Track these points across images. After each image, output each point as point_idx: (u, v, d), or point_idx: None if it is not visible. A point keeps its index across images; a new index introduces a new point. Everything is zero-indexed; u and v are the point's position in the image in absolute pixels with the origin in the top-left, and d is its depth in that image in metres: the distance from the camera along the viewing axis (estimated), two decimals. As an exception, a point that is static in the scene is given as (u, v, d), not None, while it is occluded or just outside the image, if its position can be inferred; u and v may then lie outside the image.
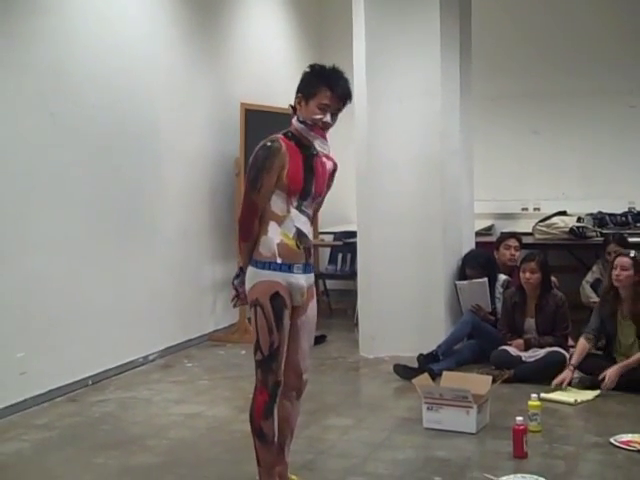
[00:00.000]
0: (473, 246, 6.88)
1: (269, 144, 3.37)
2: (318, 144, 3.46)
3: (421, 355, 5.75)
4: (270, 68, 8.27)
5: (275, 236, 3.41)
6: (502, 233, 7.24)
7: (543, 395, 5.04)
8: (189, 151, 6.90)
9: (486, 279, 6.26)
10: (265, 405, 3.45)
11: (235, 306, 3.67)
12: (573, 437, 4.51)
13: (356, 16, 6.40)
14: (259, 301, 3.39)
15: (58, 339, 5.40)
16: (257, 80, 7.88)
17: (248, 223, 3.41)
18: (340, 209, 8.73)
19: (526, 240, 7.20)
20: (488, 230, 8.15)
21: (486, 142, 8.15)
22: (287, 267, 3.42)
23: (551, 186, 8.49)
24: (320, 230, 8.56)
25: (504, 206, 8.52)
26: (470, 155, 6.90)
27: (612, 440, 4.32)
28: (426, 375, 5.01)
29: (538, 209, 8.35)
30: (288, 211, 3.42)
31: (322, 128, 3.45)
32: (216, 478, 4.01)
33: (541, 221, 7.61)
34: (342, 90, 3.44)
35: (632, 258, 5.34)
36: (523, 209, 8.58)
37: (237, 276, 3.56)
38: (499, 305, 6.20)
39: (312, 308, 3.62)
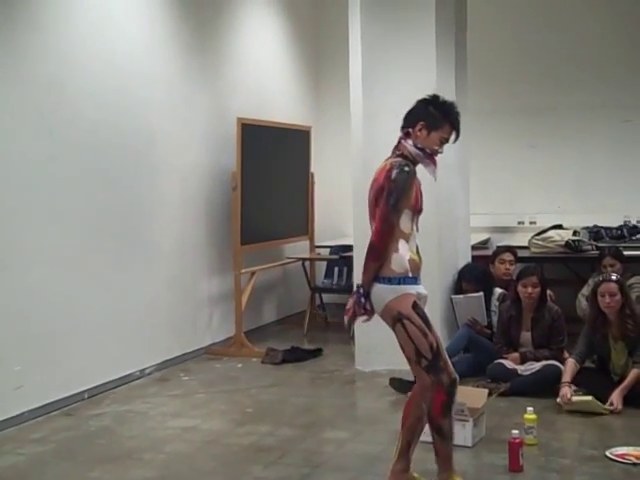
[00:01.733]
0: (469, 260, 6.91)
1: (407, 169, 3.62)
2: (431, 171, 3.77)
3: (417, 368, 5.75)
4: (267, 83, 8.31)
5: (405, 253, 3.64)
6: (498, 247, 7.26)
7: (576, 399, 5.10)
8: (186, 165, 6.92)
9: (482, 293, 6.28)
10: (443, 404, 3.63)
11: (352, 322, 3.81)
12: (569, 450, 4.52)
13: (352, 31, 6.44)
14: (403, 314, 3.61)
15: (54, 353, 5.41)
16: (253, 95, 7.91)
17: (385, 245, 3.60)
18: (336, 223, 8.80)
19: (522, 254, 7.22)
20: (484, 244, 8.18)
21: (482, 156, 8.19)
22: (415, 280, 3.68)
23: (547, 200, 8.52)
24: (316, 244, 8.58)
25: (500, 220, 8.55)
26: (466, 169, 6.94)
27: (608, 453, 4.33)
28: (422, 389, 5.01)
29: (534, 223, 8.37)
30: (412, 229, 3.70)
31: (436, 157, 3.78)
32: (212, 492, 4.01)
33: (537, 234, 7.63)
34: (459, 129, 3.81)
35: (617, 282, 5.33)
36: (519, 223, 8.60)
37: (365, 295, 3.65)
38: (495, 319, 6.21)
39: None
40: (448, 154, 6.42)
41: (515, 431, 4.19)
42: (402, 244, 3.63)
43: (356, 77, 6.40)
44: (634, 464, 4.20)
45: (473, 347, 6.12)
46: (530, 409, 4.57)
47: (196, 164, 7.06)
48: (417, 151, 3.71)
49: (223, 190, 7.21)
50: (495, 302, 6.36)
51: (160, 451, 4.62)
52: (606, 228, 7.81)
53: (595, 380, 5.33)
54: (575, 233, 7.56)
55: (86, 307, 5.71)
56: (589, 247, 7.43)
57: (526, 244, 7.60)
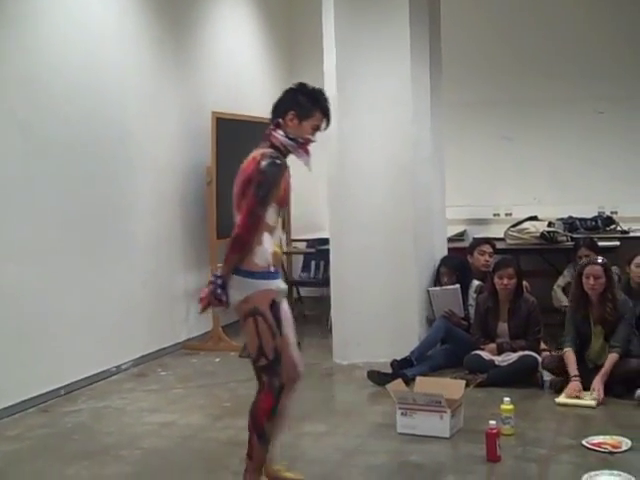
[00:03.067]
0: (445, 252, 6.94)
1: (278, 162, 3.57)
2: (305, 161, 3.71)
3: (395, 361, 5.77)
4: (241, 77, 8.28)
5: (269, 246, 3.59)
6: (474, 239, 7.29)
7: (560, 400, 5.13)
8: (161, 160, 6.88)
9: (458, 286, 6.31)
10: (270, 407, 3.62)
11: (204, 311, 3.72)
12: (546, 440, 4.54)
13: (326, 24, 6.42)
14: (259, 310, 3.56)
15: (30, 349, 5.36)
16: (228, 89, 7.88)
17: (251, 237, 3.52)
18: (313, 216, 8.78)
19: (498, 245, 7.24)
20: (460, 236, 8.21)
21: (457, 149, 8.21)
22: (276, 274, 3.64)
23: (522, 191, 8.56)
24: (293, 237, 8.57)
25: (476, 212, 8.58)
26: (441, 162, 6.95)
27: (584, 442, 4.36)
28: (400, 381, 5.03)
29: (510, 214, 8.41)
30: (276, 222, 3.65)
31: (308, 147, 3.71)
32: (190, 486, 4.00)
33: (513, 226, 7.66)
34: (330, 116, 3.76)
35: (602, 265, 5.39)
36: (495, 214, 8.64)
37: (222, 285, 3.55)
38: (472, 310, 6.24)
39: (285, 302, 3.82)
40: (423, 148, 6.52)
41: (492, 421, 4.21)
42: (267, 237, 3.58)
43: (330, 71, 6.39)
44: (610, 452, 4.23)
45: (450, 339, 6.14)
46: (507, 399, 4.59)
47: (171, 159, 7.02)
48: (289, 141, 3.65)
49: (198, 185, 7.18)
50: (472, 294, 6.38)
51: (137, 447, 4.59)
52: (581, 219, 7.86)
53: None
54: (550, 224, 7.61)
55: (61, 303, 5.66)
56: (564, 238, 7.47)
57: (502, 236, 7.64)
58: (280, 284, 3.67)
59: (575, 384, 5.21)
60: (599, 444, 4.33)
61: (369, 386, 5.67)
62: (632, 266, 6.13)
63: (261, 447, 3.67)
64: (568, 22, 8.40)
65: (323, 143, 6.55)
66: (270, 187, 3.51)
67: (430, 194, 6.59)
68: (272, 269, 3.59)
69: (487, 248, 6.75)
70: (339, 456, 4.38)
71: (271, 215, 3.57)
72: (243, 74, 8.34)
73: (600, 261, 5.46)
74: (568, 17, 8.41)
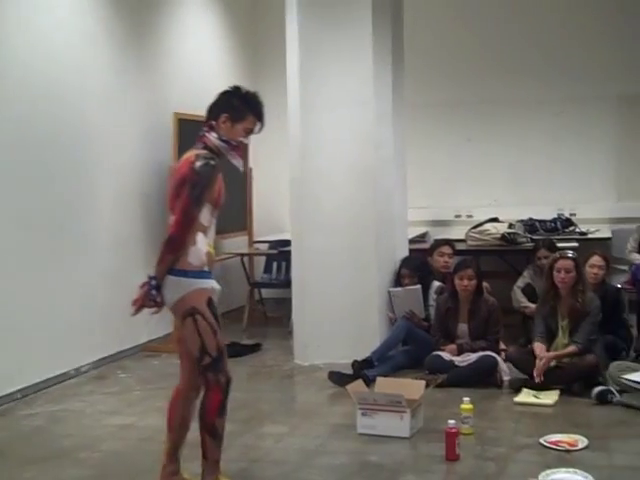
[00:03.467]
0: (406, 253, 6.96)
1: (212, 163, 3.59)
2: (237, 163, 3.75)
3: (356, 361, 5.78)
4: (204, 78, 8.23)
5: (203, 246, 3.63)
6: (436, 240, 7.33)
7: (518, 400, 5.19)
8: (121, 159, 6.83)
9: (419, 286, 6.34)
10: (220, 404, 3.66)
11: (137, 313, 3.74)
12: (504, 439, 4.58)
13: (289, 24, 6.42)
14: (197, 309, 3.59)
15: (-14, 352, 5.28)
16: (190, 90, 7.83)
17: (185, 237, 3.55)
18: (275, 218, 8.78)
19: (459, 246, 7.31)
20: (422, 237, 8.25)
21: (420, 150, 8.26)
22: (210, 274, 3.69)
23: (483, 193, 8.64)
24: (255, 239, 8.55)
25: (437, 213, 8.64)
26: (403, 163, 6.98)
27: (542, 440, 4.41)
28: (360, 381, 5.05)
29: (471, 216, 8.48)
30: (210, 222, 3.68)
31: (242, 149, 3.77)
32: (149, 489, 3.96)
33: (473, 228, 7.72)
34: (264, 119, 3.81)
35: (573, 260, 5.47)
36: (456, 216, 8.71)
37: (157, 287, 3.58)
38: (432, 311, 6.27)
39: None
40: (385, 149, 6.55)
41: (451, 421, 4.23)
42: (200, 237, 3.61)
43: (293, 71, 6.39)
44: (567, 451, 4.29)
45: (411, 339, 6.17)
46: (466, 399, 4.63)
47: (132, 158, 6.97)
48: (222, 143, 3.68)
49: (160, 185, 7.12)
50: (433, 295, 6.42)
51: (96, 449, 4.55)
52: (540, 221, 7.94)
53: (531, 361, 5.42)
54: (510, 226, 7.68)
55: (18, 304, 5.59)
56: (524, 240, 7.55)
57: (463, 237, 7.69)
58: (214, 284, 3.70)
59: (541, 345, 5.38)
60: (556, 442, 4.38)
61: (330, 387, 5.67)
62: (587, 267, 6.18)
63: (215, 445, 3.70)
64: (529, 25, 8.50)
65: (285, 144, 6.60)
66: (204, 187, 3.55)
67: (392, 195, 6.62)
68: (206, 268, 3.64)
69: (446, 249, 6.79)
70: (299, 457, 4.37)
71: (205, 215, 3.62)
72: (206, 75, 8.30)
73: (571, 255, 5.54)
74: (529, 20, 8.51)
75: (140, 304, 3.65)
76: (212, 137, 3.69)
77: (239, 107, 3.71)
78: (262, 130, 3.83)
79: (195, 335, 3.60)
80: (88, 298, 6.35)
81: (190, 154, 3.65)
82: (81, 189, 6.33)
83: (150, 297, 3.60)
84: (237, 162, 3.75)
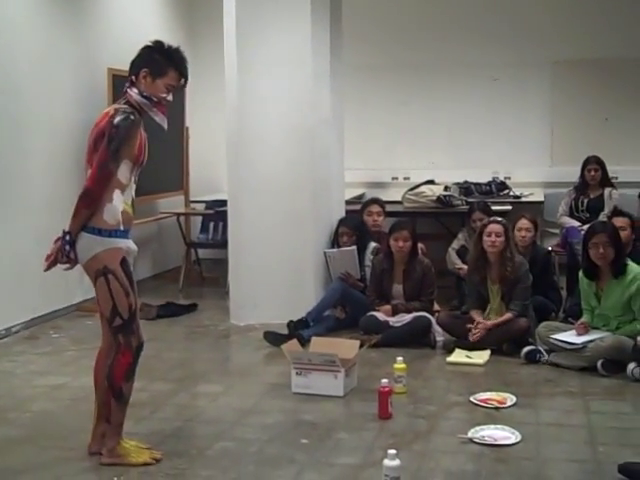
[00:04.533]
0: (343, 214, 6.98)
1: (132, 117, 3.51)
2: (160, 120, 3.68)
3: (291, 322, 5.81)
4: (139, 33, 8.00)
5: (119, 204, 3.55)
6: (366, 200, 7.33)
7: (450, 360, 5.28)
8: (54, 118, 6.66)
9: (355, 247, 6.37)
10: (128, 367, 3.62)
11: (49, 269, 3.69)
12: (436, 397, 4.67)
13: (226, -19, 6.32)
14: (109, 268, 3.53)
15: None
16: (125, 46, 7.50)
17: (100, 192, 3.48)
18: (211, 178, 8.71)
19: (395, 208, 7.36)
20: (359, 199, 8.27)
21: (357, 112, 8.27)
22: (126, 233, 3.60)
23: (420, 156, 8.70)
24: (191, 199, 8.48)
25: (375, 175, 8.68)
26: (341, 124, 6.98)
27: (472, 399, 4.51)
28: (295, 341, 5.08)
29: (408, 178, 8.53)
30: (130, 180, 3.60)
31: (164, 105, 3.68)
32: (81, 448, 3.92)
33: (410, 190, 7.77)
34: (187, 74, 3.72)
35: (502, 224, 5.55)
36: (393, 178, 8.76)
37: (70, 242, 3.52)
38: (368, 272, 6.31)
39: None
40: (322, 110, 6.52)
41: (384, 380, 4.30)
42: (117, 195, 3.53)
43: (230, 30, 6.29)
44: (496, 408, 4.40)
45: (346, 300, 6.21)
46: (400, 359, 4.69)
47: (64, 117, 6.80)
48: (143, 100, 3.61)
49: (94, 143, 6.99)
50: (369, 256, 6.45)
51: (26, 410, 4.50)
52: (476, 184, 8.04)
53: (460, 325, 5.54)
54: (446, 188, 7.75)
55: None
56: (459, 202, 7.63)
57: (400, 199, 7.74)
58: (130, 244, 3.63)
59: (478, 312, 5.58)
60: (486, 400, 4.49)
61: (265, 347, 5.69)
62: (515, 230, 6.28)
63: (120, 409, 3.66)
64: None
65: (222, 103, 6.53)
66: (122, 142, 3.47)
67: (329, 156, 6.61)
68: (122, 227, 3.56)
69: (374, 208, 6.80)
70: (234, 416, 4.39)
71: (123, 172, 3.54)
72: (141, 31, 8.08)
73: (500, 220, 5.63)
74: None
75: (53, 259, 3.61)
76: (133, 93, 3.61)
77: (160, 62, 3.63)
78: (185, 86, 3.76)
79: (108, 296, 3.56)
80: (20, 258, 6.22)
81: (110, 108, 3.60)
82: (10, 148, 6.15)
83: (63, 252, 3.54)
84: (160, 119, 3.68)
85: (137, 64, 3.65)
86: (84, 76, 7.01)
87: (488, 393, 4.58)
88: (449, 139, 8.71)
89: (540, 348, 5.27)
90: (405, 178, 8.60)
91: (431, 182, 7.88)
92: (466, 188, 7.97)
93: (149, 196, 7.73)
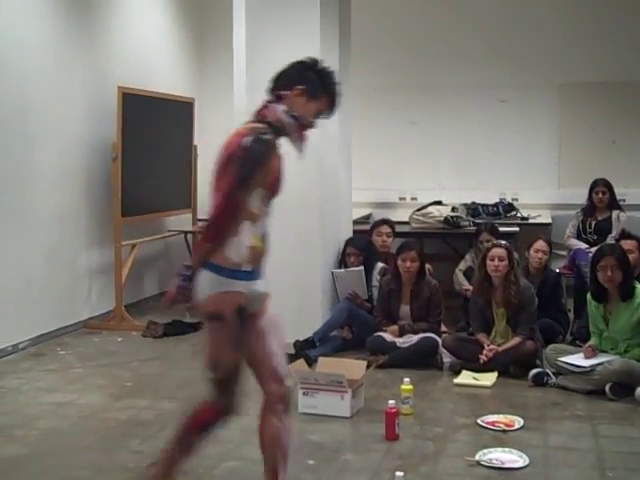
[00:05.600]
0: (351, 234, 6.98)
1: (265, 138, 3.01)
2: (298, 146, 3.19)
3: (297, 341, 5.80)
4: (149, 51, 8.13)
5: (247, 238, 3.04)
6: (375, 220, 7.34)
7: (457, 381, 5.27)
8: (64, 134, 6.71)
9: (362, 267, 6.36)
10: (205, 423, 3.24)
11: (170, 307, 3.18)
12: (443, 419, 4.65)
13: (237, 3, 6.36)
14: (224, 314, 3.03)
15: None
16: (135, 64, 7.72)
17: (229, 225, 2.97)
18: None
19: (403, 229, 7.36)
20: (366, 219, 8.28)
21: (365, 132, 8.28)
22: (252, 274, 3.09)
23: (428, 176, 8.71)
24: (199, 217, 8.49)
25: (382, 195, 8.69)
26: (348, 144, 6.99)
27: (479, 421, 4.49)
28: (302, 361, 5.06)
29: (415, 199, 8.54)
30: (261, 210, 3.09)
31: (307, 131, 3.20)
32: (87, 467, 3.93)
33: (417, 210, 7.78)
34: (338, 104, 3.29)
35: (506, 248, 5.55)
36: (401, 198, 8.77)
37: (190, 278, 3.03)
38: (376, 292, 6.31)
39: (270, 309, 3.33)
40: (331, 130, 6.53)
41: (392, 401, 4.29)
42: (246, 227, 3.02)
43: (240, 49, 6.34)
44: (503, 431, 4.38)
45: (353, 320, 6.20)
46: (407, 380, 4.68)
47: (75, 133, 6.84)
48: (290, 119, 3.12)
49: (103, 161, 7.03)
50: (377, 276, 6.45)
51: (33, 427, 4.49)
52: (483, 205, 8.04)
53: (474, 349, 5.52)
54: (454, 209, 7.75)
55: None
56: (467, 223, 7.63)
57: (407, 219, 7.74)
58: (254, 286, 3.10)
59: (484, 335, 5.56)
60: (493, 423, 4.47)
61: (272, 366, 5.67)
62: (531, 251, 6.33)
63: (179, 451, 3.28)
64: (474, 13, 8.55)
65: (231, 122, 6.54)
66: (254, 167, 2.95)
67: (337, 175, 6.62)
68: (246, 267, 3.04)
69: (385, 229, 6.82)
70: (241, 435, 4.35)
71: (255, 201, 3.02)
72: (151, 50, 8.19)
73: (504, 244, 5.62)
74: (474, 8, 8.56)
75: (171, 297, 3.10)
76: (279, 109, 3.12)
77: (317, 83, 3.17)
78: (330, 117, 3.28)
79: (211, 342, 3.10)
80: (29, 274, 6.25)
81: (242, 127, 3.08)
82: (21, 164, 6.20)
83: (184, 290, 3.04)
84: (298, 145, 3.17)
85: (291, 78, 3.19)
86: (94, 93, 7.05)
87: (495, 415, 4.56)
88: (456, 160, 8.72)
89: (548, 371, 5.25)
90: (412, 198, 8.61)
91: (438, 203, 7.89)
92: (473, 209, 7.98)
93: (157, 214, 7.77)
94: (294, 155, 6.30)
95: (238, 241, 3.01)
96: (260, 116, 3.14)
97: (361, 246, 6.55)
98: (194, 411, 3.24)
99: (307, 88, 3.16)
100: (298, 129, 3.15)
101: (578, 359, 5.16)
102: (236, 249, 3.00)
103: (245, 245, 3.02)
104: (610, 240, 6.77)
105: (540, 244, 6.33)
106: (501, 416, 4.56)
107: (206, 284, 3.02)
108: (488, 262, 5.55)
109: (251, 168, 2.96)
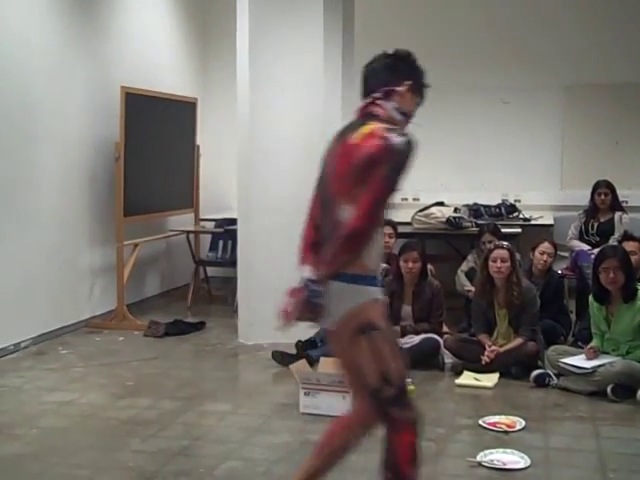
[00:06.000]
0: (353, 235, 6.97)
1: (410, 140, 2.78)
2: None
3: (299, 341, 5.79)
4: (152, 51, 8.12)
5: (380, 243, 2.94)
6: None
7: (459, 382, 5.27)
8: (67, 134, 6.70)
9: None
10: (412, 446, 2.87)
11: (288, 326, 2.97)
12: (444, 420, 4.64)
13: (240, 2, 6.36)
14: (375, 325, 2.81)
15: None
16: (138, 64, 7.72)
17: (371, 232, 2.76)
18: (221, 196, 8.73)
19: (405, 229, 7.35)
20: (368, 219, 8.26)
21: (368, 132, 8.25)
22: (380, 280, 2.94)
23: (430, 177, 8.65)
24: (201, 217, 8.50)
25: (384, 196, 8.66)
26: (351, 145, 6.97)
27: (481, 422, 4.48)
28: (303, 361, 5.07)
29: (417, 199, 8.51)
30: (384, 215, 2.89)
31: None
32: (88, 466, 3.93)
33: (420, 211, 7.76)
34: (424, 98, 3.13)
35: (508, 249, 5.54)
36: (403, 199, 8.73)
37: (320, 293, 2.78)
38: (377, 293, 6.29)
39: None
40: (334, 130, 6.50)
41: (393, 402, 4.27)
42: (380, 234, 2.91)
43: (243, 49, 6.33)
44: (505, 432, 4.37)
45: (355, 321, 6.18)
46: (408, 381, 4.65)
47: (77, 133, 6.84)
48: (400, 116, 2.94)
49: (106, 160, 7.03)
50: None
51: (34, 426, 4.49)
52: (485, 206, 8.02)
53: (475, 350, 5.51)
54: (456, 210, 7.75)
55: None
56: (469, 224, 7.62)
57: (409, 220, 7.73)
58: (380, 293, 2.92)
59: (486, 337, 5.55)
60: (495, 424, 4.46)
61: (273, 366, 5.68)
62: (536, 253, 6.31)
63: None
64: (479, 14, 8.54)
65: (234, 122, 6.55)
66: (402, 172, 2.72)
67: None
68: (375, 274, 2.88)
69: (387, 229, 6.78)
70: (242, 435, 4.38)
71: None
72: (155, 50, 8.19)
73: (506, 245, 5.62)
74: (479, 9, 8.55)
75: (296, 315, 2.87)
76: (390, 106, 2.93)
77: (419, 77, 3.03)
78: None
79: (371, 358, 2.79)
80: (31, 273, 6.25)
81: (372, 127, 2.82)
82: (24, 164, 6.19)
83: (314, 305, 2.78)
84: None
85: (402, 72, 3.00)
86: (97, 93, 7.05)
87: (497, 416, 4.55)
88: (459, 161, 8.70)
89: (549, 372, 5.25)
90: (415, 199, 8.58)
91: (441, 204, 7.88)
92: (476, 210, 7.96)
93: (159, 213, 7.77)
94: (294, 155, 6.34)
95: (376, 248, 2.85)
96: (368, 113, 2.95)
97: None
98: (393, 451, 2.89)
99: (414, 83, 3.01)
100: (405, 126, 2.98)
101: (580, 360, 5.16)
102: (371, 256, 2.82)
103: (377, 251, 2.87)
104: (612, 242, 6.76)
105: (545, 246, 6.32)
106: (503, 417, 4.55)
107: (345, 296, 2.79)
108: (490, 263, 5.55)
109: (402, 172, 2.73)
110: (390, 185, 2.71)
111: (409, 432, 2.85)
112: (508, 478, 3.80)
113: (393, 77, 2.97)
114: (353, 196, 2.73)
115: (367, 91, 3.01)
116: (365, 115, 2.93)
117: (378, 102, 2.94)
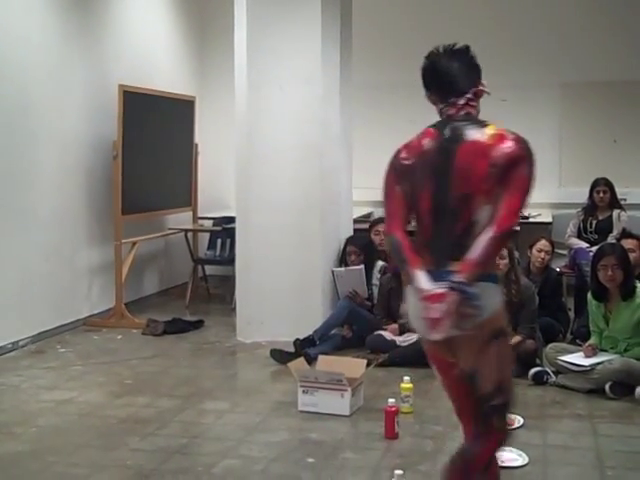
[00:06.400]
0: (351, 233, 6.98)
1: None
2: None
3: (298, 340, 5.80)
4: (150, 50, 8.12)
5: None
6: (374, 219, 7.32)
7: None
8: (64, 132, 6.70)
9: (362, 266, 6.36)
10: (490, 457, 2.82)
11: (444, 336, 2.67)
12: (443, 417, 4.62)
13: (238, 1, 6.35)
14: (504, 330, 2.73)
15: None
16: (136, 62, 7.71)
17: (512, 233, 2.73)
18: (220, 194, 8.72)
19: (402, 228, 7.33)
20: (367, 217, 8.26)
21: (365, 130, 8.26)
22: None
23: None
24: (199, 215, 8.50)
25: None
26: (349, 143, 6.99)
27: (479, 420, 4.48)
28: (302, 359, 5.07)
29: (415, 198, 8.51)
30: None
31: None
32: (87, 464, 3.93)
33: (418, 209, 7.74)
34: None
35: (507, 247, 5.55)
36: (401, 198, 8.73)
37: (476, 295, 2.58)
38: (376, 291, 6.31)
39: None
40: (332, 128, 6.54)
41: (391, 400, 4.28)
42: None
43: (241, 47, 6.33)
44: (503, 430, 4.37)
45: (353, 319, 6.20)
46: (407, 379, 4.68)
47: (75, 131, 6.84)
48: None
49: (104, 159, 7.02)
50: (377, 274, 6.44)
51: (32, 424, 4.49)
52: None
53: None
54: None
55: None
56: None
57: (407, 218, 7.71)
58: None
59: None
60: (493, 422, 4.45)
61: (272, 364, 5.68)
62: (534, 250, 6.30)
63: None
64: (475, 12, 8.53)
65: (232, 120, 6.55)
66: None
67: (337, 174, 6.62)
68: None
69: (381, 227, 6.80)
70: (240, 433, 4.38)
71: None
72: (153, 48, 8.18)
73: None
74: (476, 7, 8.54)
75: (451, 322, 2.58)
76: (479, 108, 2.97)
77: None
78: None
79: (494, 365, 2.68)
80: (29, 271, 6.25)
81: (496, 129, 2.84)
82: (21, 162, 6.19)
83: (474, 307, 2.57)
84: None
85: (477, 72, 3.02)
86: (95, 92, 7.04)
87: (495, 414, 4.55)
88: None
89: (548, 369, 5.25)
90: (413, 197, 8.58)
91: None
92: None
93: (157, 212, 7.77)
94: (292, 153, 6.35)
95: None
96: (466, 115, 2.93)
97: (361, 245, 6.55)
98: (471, 457, 2.85)
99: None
100: None
101: (578, 358, 5.16)
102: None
103: None
104: (611, 239, 6.77)
105: (543, 243, 6.32)
106: (501, 414, 4.55)
107: (494, 298, 2.68)
108: None
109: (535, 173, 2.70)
110: (532, 185, 2.67)
111: (497, 443, 2.82)
112: (506, 476, 3.77)
113: (478, 76, 2.97)
114: (495, 196, 2.65)
115: (456, 90, 2.95)
116: (461, 115, 2.92)
117: (471, 103, 2.94)
